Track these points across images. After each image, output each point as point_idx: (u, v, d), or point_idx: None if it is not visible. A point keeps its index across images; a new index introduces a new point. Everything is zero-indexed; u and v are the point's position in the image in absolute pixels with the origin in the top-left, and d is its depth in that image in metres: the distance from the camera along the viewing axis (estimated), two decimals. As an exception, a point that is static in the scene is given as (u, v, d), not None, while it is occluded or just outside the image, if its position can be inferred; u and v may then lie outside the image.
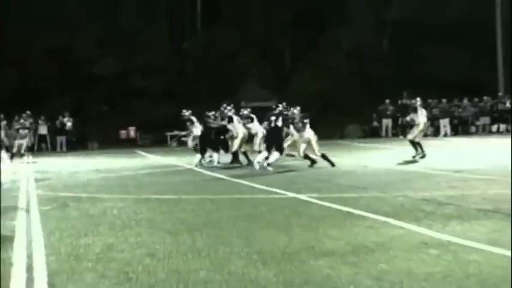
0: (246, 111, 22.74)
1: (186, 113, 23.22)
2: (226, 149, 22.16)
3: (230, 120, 21.97)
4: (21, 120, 32.20)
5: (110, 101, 41.74)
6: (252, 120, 21.96)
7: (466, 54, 42.81)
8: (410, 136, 21.83)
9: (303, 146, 19.93)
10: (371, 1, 47.49)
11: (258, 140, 21.37)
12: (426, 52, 44.17)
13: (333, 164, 19.49)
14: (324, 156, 19.72)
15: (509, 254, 7.23)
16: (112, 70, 42.29)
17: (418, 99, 22.61)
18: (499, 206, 10.71)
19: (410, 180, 15.85)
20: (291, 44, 44.34)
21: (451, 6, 44.37)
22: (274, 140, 19.88)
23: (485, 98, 39.55)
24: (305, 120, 20.12)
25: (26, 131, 31.37)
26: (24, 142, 29.94)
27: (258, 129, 21.46)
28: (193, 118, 22.93)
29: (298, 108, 21.02)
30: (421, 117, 21.78)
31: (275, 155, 19.55)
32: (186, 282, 6.63)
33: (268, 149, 19.90)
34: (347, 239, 8.47)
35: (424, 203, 11.62)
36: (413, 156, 21.13)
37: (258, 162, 19.47)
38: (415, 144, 21.41)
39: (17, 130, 30.64)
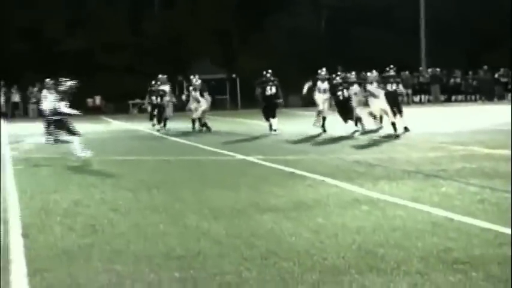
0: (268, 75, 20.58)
1: None
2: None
3: None
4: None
5: (76, 75, 41.10)
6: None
7: (392, 35, 43.07)
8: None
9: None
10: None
11: None
12: (358, 33, 44.28)
13: None
14: None
15: (429, 210, 7.35)
16: (78, 47, 41.60)
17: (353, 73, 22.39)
18: (421, 168, 10.86)
19: (345, 144, 15.96)
20: (238, 26, 44.31)
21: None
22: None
23: (407, 72, 39.95)
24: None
25: None
26: None
27: None
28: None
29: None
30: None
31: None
32: (145, 234, 6.57)
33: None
34: (289, 196, 8.48)
35: (356, 164, 11.70)
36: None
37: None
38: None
39: None
